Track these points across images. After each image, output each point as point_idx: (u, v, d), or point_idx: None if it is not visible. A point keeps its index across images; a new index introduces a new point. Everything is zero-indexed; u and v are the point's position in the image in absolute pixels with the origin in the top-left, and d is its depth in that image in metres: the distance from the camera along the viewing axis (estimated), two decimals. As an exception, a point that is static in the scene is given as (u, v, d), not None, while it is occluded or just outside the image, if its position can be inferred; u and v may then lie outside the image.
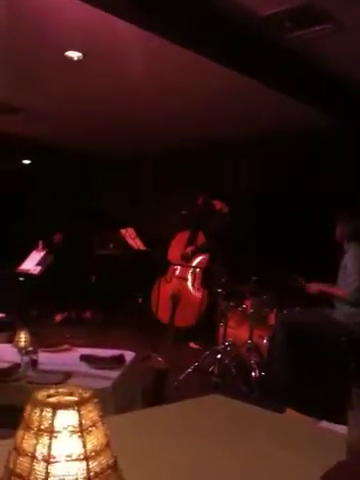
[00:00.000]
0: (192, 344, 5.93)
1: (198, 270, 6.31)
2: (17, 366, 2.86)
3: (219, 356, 4.34)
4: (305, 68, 4.31)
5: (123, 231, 5.63)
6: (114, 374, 2.94)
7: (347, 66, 4.28)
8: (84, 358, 3.14)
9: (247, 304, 4.85)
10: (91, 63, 4.48)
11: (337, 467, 0.85)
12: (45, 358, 3.04)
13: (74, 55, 4.29)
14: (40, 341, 3.28)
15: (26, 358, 2.87)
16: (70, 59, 4.35)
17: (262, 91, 4.58)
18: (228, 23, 3.55)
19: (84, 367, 3.04)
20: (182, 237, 6.65)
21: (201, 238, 6.46)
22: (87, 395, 0.69)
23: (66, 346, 3.54)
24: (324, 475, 0.83)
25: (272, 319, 4.78)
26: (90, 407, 0.68)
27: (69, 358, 3.24)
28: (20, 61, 4.54)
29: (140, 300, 6.63)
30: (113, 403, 2.66)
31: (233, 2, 3.31)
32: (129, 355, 3.31)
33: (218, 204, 6.28)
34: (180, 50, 3.78)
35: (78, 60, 4.37)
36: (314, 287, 4.15)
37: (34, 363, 2.88)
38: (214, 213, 6.32)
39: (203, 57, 3.88)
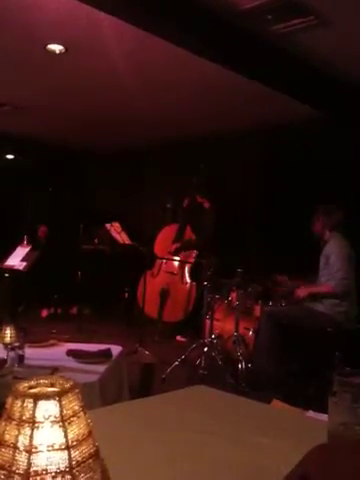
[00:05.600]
0: (179, 337, 5.95)
1: (187, 264, 6.31)
2: (3, 362, 2.85)
3: (206, 349, 4.35)
4: (288, 61, 4.32)
5: (108, 225, 5.62)
6: (101, 368, 2.94)
7: (331, 58, 4.30)
8: (71, 353, 3.13)
9: (233, 296, 4.88)
10: (74, 56, 4.45)
11: (315, 450, 0.86)
12: (32, 353, 3.03)
13: (56, 48, 4.27)
14: (26, 337, 3.26)
15: (12, 354, 2.86)
16: (52, 52, 4.32)
17: (246, 84, 4.59)
18: (210, 16, 3.55)
19: (71, 362, 3.03)
20: (169, 231, 6.63)
21: (189, 233, 6.46)
22: (68, 385, 0.70)
23: (53, 341, 3.53)
24: (302, 459, 0.85)
25: (257, 311, 4.81)
26: (71, 397, 0.69)
27: (56, 353, 3.23)
28: (1, 55, 4.49)
29: (126, 295, 6.63)
30: (100, 397, 2.66)
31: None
32: (116, 349, 3.31)
33: (200, 199, 6.29)
34: (163, 43, 3.78)
35: (60, 53, 4.34)
36: (303, 292, 4.18)
37: (21, 358, 2.87)
38: (200, 210, 6.34)
39: (186, 51, 3.88)
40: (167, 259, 6.35)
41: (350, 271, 4.04)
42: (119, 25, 3.55)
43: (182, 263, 6.28)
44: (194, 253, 6.22)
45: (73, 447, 0.67)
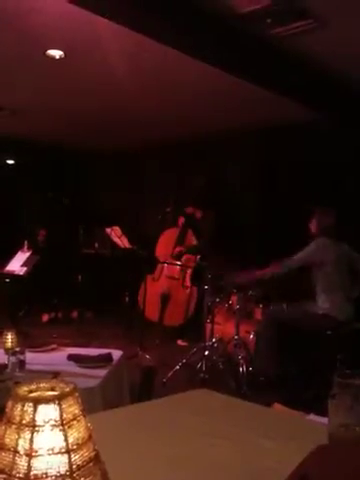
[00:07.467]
0: (180, 341, 5.94)
1: (188, 268, 6.29)
2: (4, 367, 2.85)
3: (207, 352, 4.35)
4: (288, 64, 4.32)
5: (108, 229, 5.62)
6: (102, 373, 2.94)
7: (330, 60, 4.30)
8: (72, 358, 3.13)
9: (233, 300, 4.87)
10: (73, 61, 4.46)
11: (316, 451, 0.86)
12: (32, 358, 3.03)
13: (56, 54, 4.28)
14: (27, 341, 3.26)
15: (13, 359, 2.85)
16: (52, 57, 4.33)
17: (245, 88, 4.60)
18: (209, 20, 3.56)
19: (72, 366, 3.03)
20: (170, 235, 6.62)
21: (190, 237, 6.45)
22: (68, 389, 0.70)
23: (53, 346, 3.52)
24: (303, 460, 0.85)
25: (258, 314, 4.81)
26: (71, 401, 0.69)
27: (57, 358, 3.23)
28: (1, 60, 4.50)
29: (127, 299, 6.62)
30: (101, 402, 2.66)
31: (213, -1, 3.32)
32: (116, 354, 3.31)
33: (197, 213, 6.31)
34: (162, 47, 3.78)
35: (60, 58, 4.35)
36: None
37: (21, 363, 2.86)
38: (194, 221, 6.36)
39: (185, 54, 3.88)
40: (168, 263, 6.34)
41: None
42: (118, 30, 3.56)
43: (183, 267, 6.27)
44: (195, 257, 6.20)
45: (73, 451, 0.67)
